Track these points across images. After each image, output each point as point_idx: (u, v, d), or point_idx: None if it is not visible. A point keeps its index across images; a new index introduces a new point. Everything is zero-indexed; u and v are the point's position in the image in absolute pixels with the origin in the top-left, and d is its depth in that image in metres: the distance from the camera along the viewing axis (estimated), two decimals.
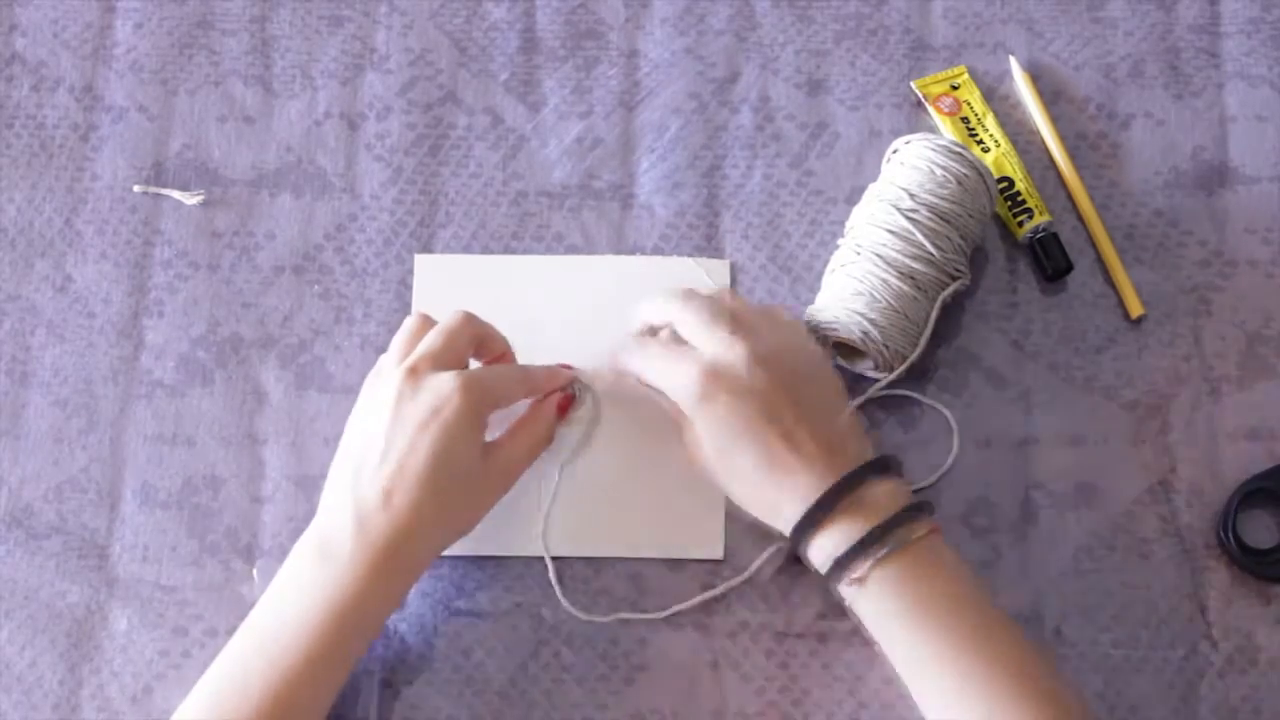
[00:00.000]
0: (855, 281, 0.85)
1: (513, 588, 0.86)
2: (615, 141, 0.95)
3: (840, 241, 0.88)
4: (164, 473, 0.89)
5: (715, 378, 0.79)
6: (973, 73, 0.95)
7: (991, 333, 0.90)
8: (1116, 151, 0.93)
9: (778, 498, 0.79)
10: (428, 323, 0.83)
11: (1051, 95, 0.94)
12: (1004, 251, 0.92)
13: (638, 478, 0.87)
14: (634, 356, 0.83)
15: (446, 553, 0.85)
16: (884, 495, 0.78)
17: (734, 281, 0.91)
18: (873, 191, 0.87)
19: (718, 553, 0.86)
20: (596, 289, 0.91)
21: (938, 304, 0.86)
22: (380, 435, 0.79)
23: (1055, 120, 0.94)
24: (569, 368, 0.87)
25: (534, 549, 0.86)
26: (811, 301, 0.88)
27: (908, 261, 0.84)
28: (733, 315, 0.81)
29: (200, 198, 0.94)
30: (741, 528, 0.85)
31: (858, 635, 0.81)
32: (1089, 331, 0.90)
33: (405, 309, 0.91)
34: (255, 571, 0.87)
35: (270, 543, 0.87)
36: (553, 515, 0.86)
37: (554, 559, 0.86)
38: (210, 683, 0.78)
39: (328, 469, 0.82)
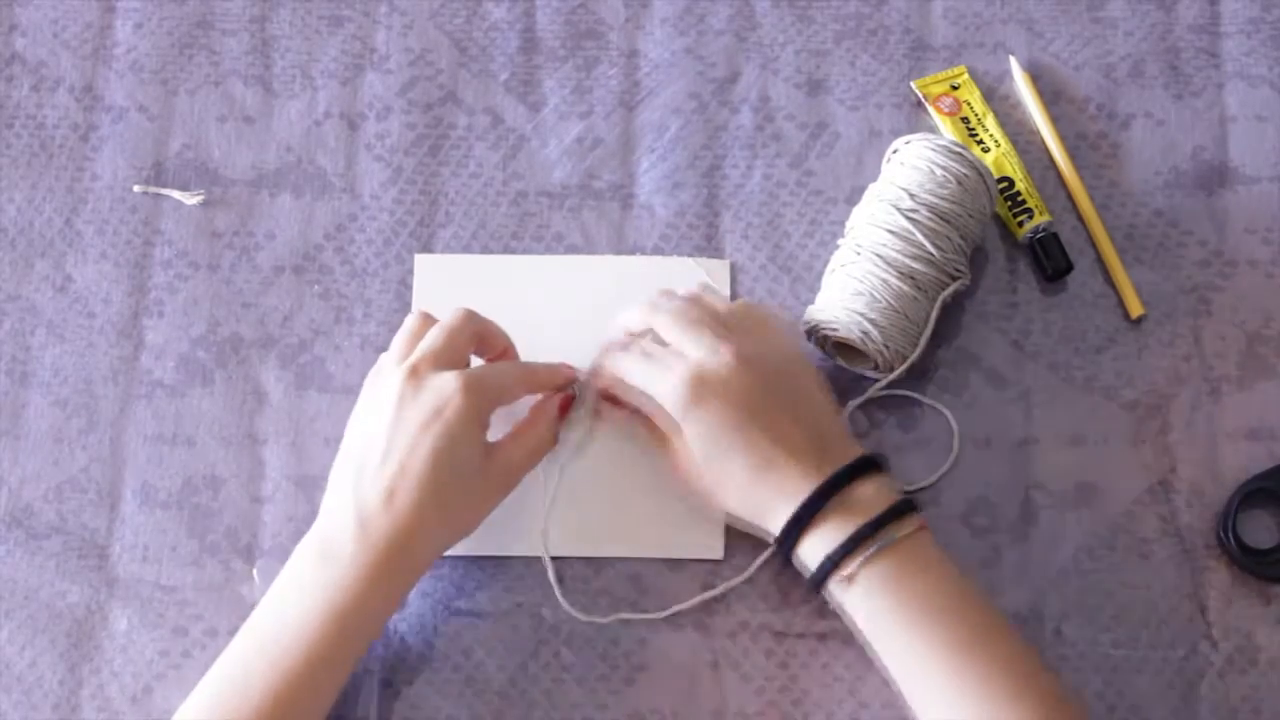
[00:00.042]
0: (855, 281, 0.85)
1: (513, 588, 0.86)
2: (615, 141, 0.95)
3: (840, 241, 0.88)
4: (164, 473, 0.89)
5: (702, 382, 0.79)
6: (973, 73, 0.95)
7: (991, 333, 0.90)
8: (1116, 151, 0.93)
9: (768, 500, 0.79)
10: (428, 321, 0.83)
11: (1051, 95, 0.94)
12: (1004, 251, 0.92)
13: (638, 477, 0.87)
14: (620, 364, 0.83)
15: (447, 553, 0.85)
16: (871, 494, 0.79)
17: (734, 281, 0.91)
18: (873, 191, 0.87)
19: (718, 553, 0.86)
20: (596, 289, 0.91)
21: (938, 304, 0.86)
22: (382, 436, 0.79)
23: (1055, 120, 0.94)
24: (569, 368, 0.87)
25: (534, 549, 0.86)
26: (811, 301, 0.88)
27: (908, 261, 0.84)
28: (714, 318, 0.81)
29: (200, 198, 0.94)
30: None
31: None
32: (1089, 331, 0.90)
33: (405, 309, 0.91)
34: (255, 572, 0.87)
35: (270, 543, 0.87)
36: (553, 515, 0.86)
37: (554, 559, 0.85)
38: (211, 683, 0.78)
39: (328, 469, 0.82)
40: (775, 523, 0.79)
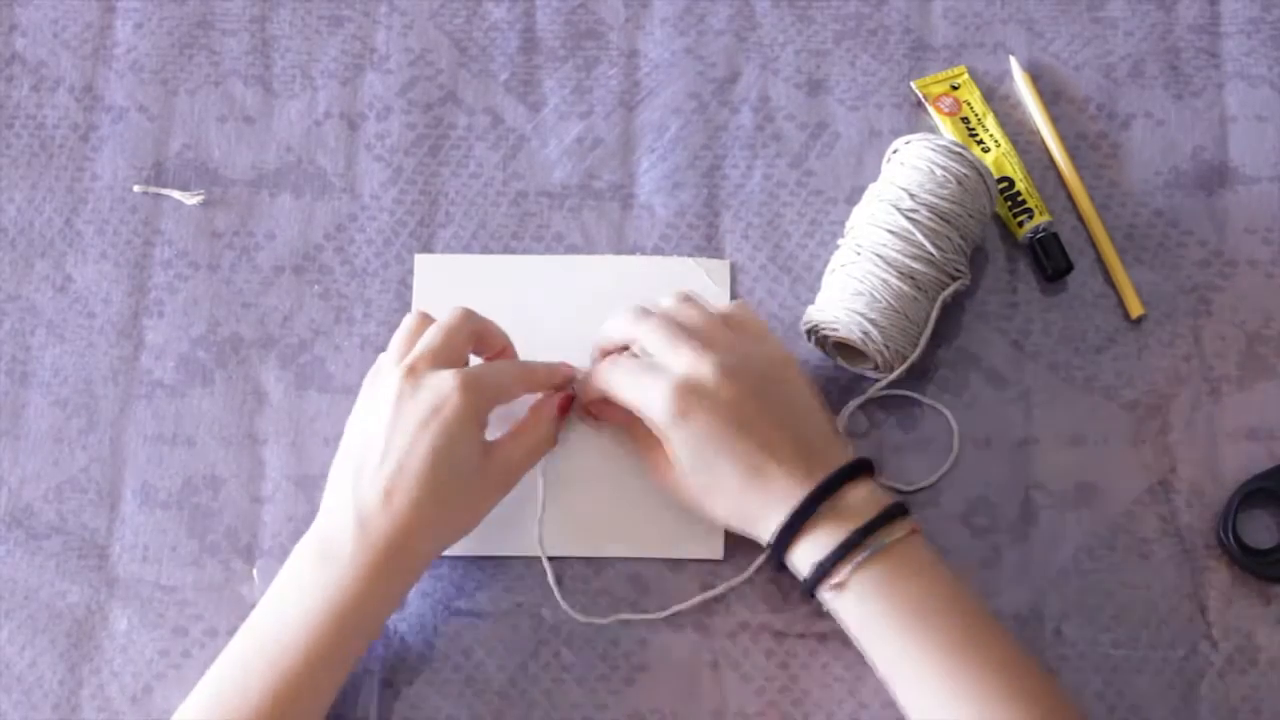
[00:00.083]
0: (855, 281, 0.85)
1: (513, 588, 0.86)
2: (615, 141, 0.95)
3: (840, 241, 0.88)
4: (164, 473, 0.89)
5: (688, 393, 0.78)
6: (973, 73, 0.95)
7: (991, 333, 0.90)
8: (1116, 151, 0.93)
9: (758, 508, 0.79)
10: (426, 320, 0.83)
11: (1051, 95, 0.94)
12: (1004, 251, 0.92)
13: (638, 478, 0.86)
14: (606, 377, 0.83)
15: (446, 553, 0.85)
16: (862, 498, 0.78)
17: (734, 281, 0.91)
18: (873, 191, 0.87)
19: (718, 553, 0.86)
20: (596, 289, 0.91)
21: (938, 304, 0.86)
22: (380, 435, 0.79)
23: (1055, 120, 0.94)
24: (569, 367, 0.87)
25: (534, 549, 0.86)
26: (811, 301, 0.88)
27: (908, 261, 0.84)
28: (696, 329, 0.81)
29: (200, 198, 0.94)
30: None
31: None
32: (1089, 331, 0.90)
33: (405, 309, 0.91)
34: (255, 571, 0.87)
35: (270, 543, 0.87)
36: (552, 515, 0.86)
37: (554, 559, 0.85)
38: (210, 684, 0.78)
39: (328, 469, 0.82)
40: (766, 531, 0.79)
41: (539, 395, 0.86)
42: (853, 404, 0.87)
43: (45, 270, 0.93)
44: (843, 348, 0.88)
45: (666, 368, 0.80)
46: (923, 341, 0.85)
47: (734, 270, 0.92)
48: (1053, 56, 0.95)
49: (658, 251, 0.92)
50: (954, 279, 0.86)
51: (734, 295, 0.91)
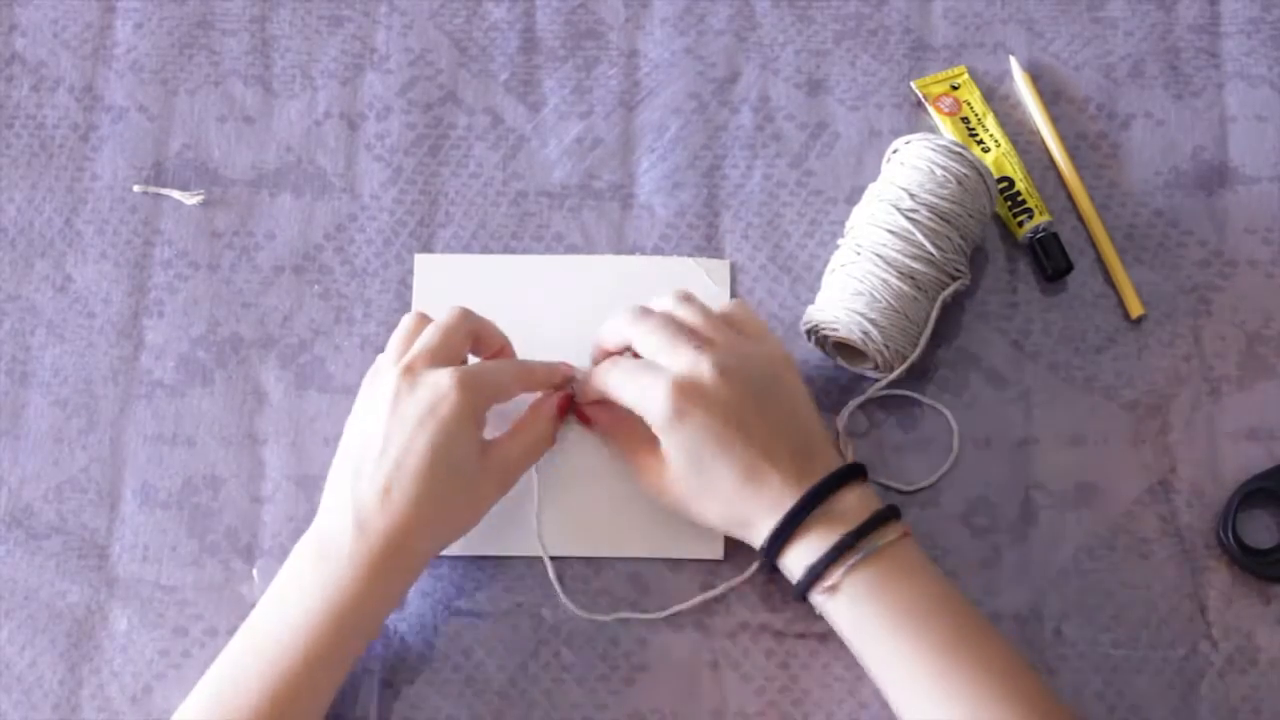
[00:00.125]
0: (855, 281, 0.85)
1: (513, 588, 0.86)
2: (615, 141, 0.95)
3: (840, 241, 0.88)
4: (164, 473, 0.89)
5: (686, 393, 0.78)
6: (973, 73, 0.95)
7: (991, 333, 0.90)
8: (1116, 151, 0.93)
9: (751, 511, 0.79)
10: (424, 321, 0.83)
11: (1051, 95, 0.94)
12: (1004, 251, 0.92)
13: None
14: (604, 378, 0.83)
15: (446, 553, 0.85)
16: (854, 502, 0.78)
17: (734, 281, 0.91)
18: (873, 191, 0.87)
19: (718, 553, 0.86)
20: (596, 289, 0.91)
21: (938, 304, 0.86)
22: (378, 434, 0.79)
23: (1055, 120, 0.94)
24: (568, 366, 0.87)
25: (534, 549, 0.86)
26: (811, 301, 0.88)
27: (908, 261, 0.84)
28: (693, 329, 0.81)
29: (200, 198, 0.94)
30: None
31: None
32: (1089, 331, 0.90)
33: (405, 309, 0.91)
34: (255, 571, 0.87)
35: (270, 543, 0.87)
36: (553, 515, 0.86)
37: (554, 559, 0.85)
38: (210, 684, 0.78)
39: (328, 469, 0.82)
40: (759, 534, 0.79)
41: (538, 395, 0.86)
42: (853, 404, 0.88)
43: (45, 270, 0.93)
44: (843, 348, 0.88)
45: (664, 367, 0.79)
46: (923, 341, 0.85)
47: (734, 270, 0.92)
48: (1053, 56, 0.95)
49: (658, 251, 0.92)
50: (954, 279, 0.86)
51: (734, 295, 0.91)
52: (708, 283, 0.91)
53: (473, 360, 0.85)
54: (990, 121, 0.93)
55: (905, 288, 0.84)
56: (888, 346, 0.85)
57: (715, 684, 0.84)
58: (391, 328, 0.85)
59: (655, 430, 0.79)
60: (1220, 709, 0.83)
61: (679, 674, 0.84)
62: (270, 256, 0.93)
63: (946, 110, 0.94)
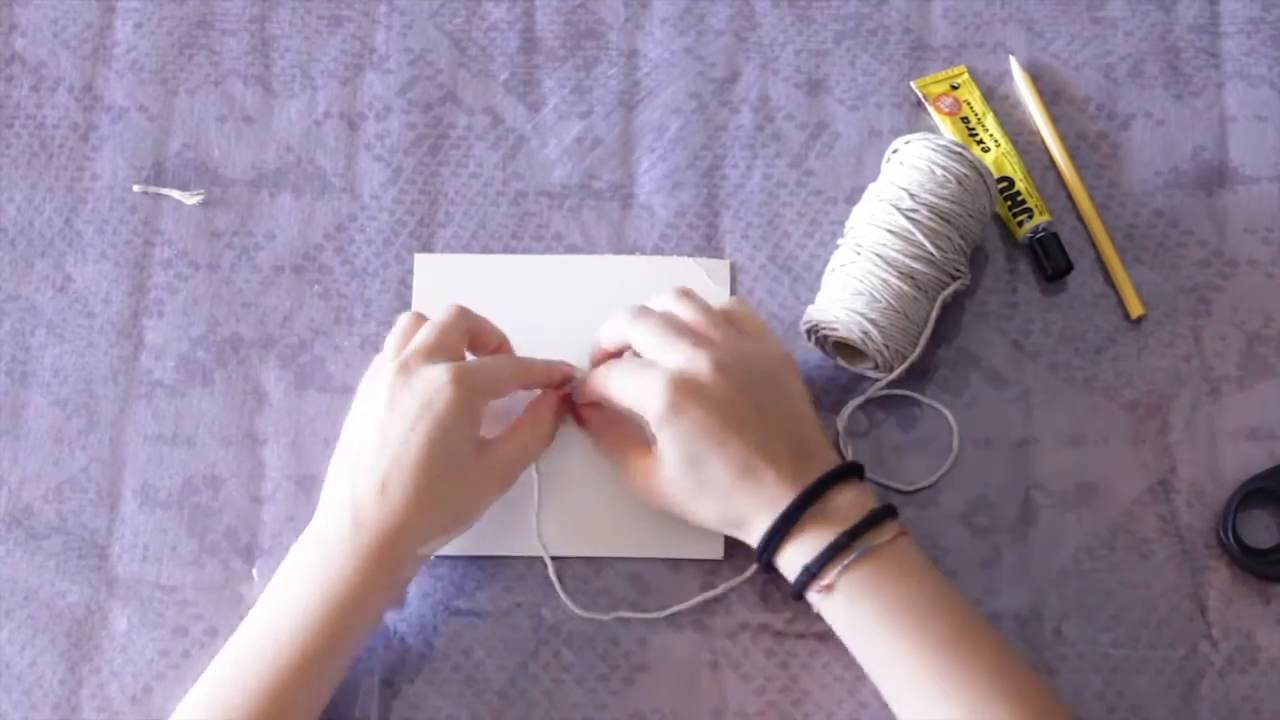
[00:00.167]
0: (855, 281, 0.85)
1: (513, 588, 0.86)
2: (615, 141, 0.95)
3: (840, 241, 0.88)
4: (164, 473, 0.89)
5: (682, 390, 0.78)
6: (973, 73, 0.95)
7: (991, 333, 0.90)
8: (1116, 151, 0.93)
9: (746, 509, 0.79)
10: (420, 320, 0.83)
11: (1051, 95, 0.94)
12: (1004, 251, 0.92)
13: None
14: (602, 379, 0.83)
15: (446, 552, 0.85)
16: (849, 501, 0.78)
17: (734, 281, 0.91)
18: (873, 191, 0.87)
19: (718, 553, 0.86)
20: (596, 289, 0.91)
21: (938, 304, 0.86)
22: (375, 429, 0.79)
23: (1055, 120, 0.94)
24: (568, 365, 0.87)
25: (534, 549, 0.86)
26: (811, 301, 0.88)
27: (908, 261, 0.84)
28: (692, 326, 0.81)
29: (200, 197, 0.94)
30: None
31: None
32: (1089, 331, 0.90)
33: (405, 309, 0.91)
34: (255, 571, 0.87)
35: (270, 543, 0.87)
36: (553, 515, 0.86)
37: (554, 559, 0.85)
38: (207, 682, 0.78)
39: (328, 469, 0.82)
40: (754, 533, 0.79)
41: (538, 393, 0.86)
42: (853, 404, 0.88)
43: (45, 270, 0.93)
44: (843, 347, 0.88)
45: (662, 364, 0.79)
46: (923, 341, 0.85)
47: (734, 270, 0.92)
48: (1053, 56, 0.95)
49: (658, 251, 0.92)
50: (954, 279, 0.86)
51: (734, 295, 0.91)
52: (708, 283, 0.91)
53: (471, 359, 0.85)
54: (990, 121, 0.93)
55: (905, 288, 0.84)
56: (888, 346, 0.85)
57: (715, 684, 0.84)
58: (391, 327, 0.85)
59: (652, 427, 0.79)
60: (1220, 709, 0.83)
61: (679, 674, 0.84)
62: (270, 256, 0.93)
63: (946, 110, 0.94)
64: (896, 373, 0.86)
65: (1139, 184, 0.93)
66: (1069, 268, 0.90)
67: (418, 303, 0.91)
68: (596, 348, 0.85)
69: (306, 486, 0.88)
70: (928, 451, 0.88)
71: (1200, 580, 0.85)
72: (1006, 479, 0.87)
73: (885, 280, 0.84)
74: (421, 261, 0.92)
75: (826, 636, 0.83)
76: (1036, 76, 0.95)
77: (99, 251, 0.93)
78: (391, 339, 0.83)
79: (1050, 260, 0.90)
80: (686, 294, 0.83)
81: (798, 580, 0.78)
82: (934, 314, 0.86)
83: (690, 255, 0.92)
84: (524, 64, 0.96)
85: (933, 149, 0.86)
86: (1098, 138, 0.94)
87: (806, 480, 0.78)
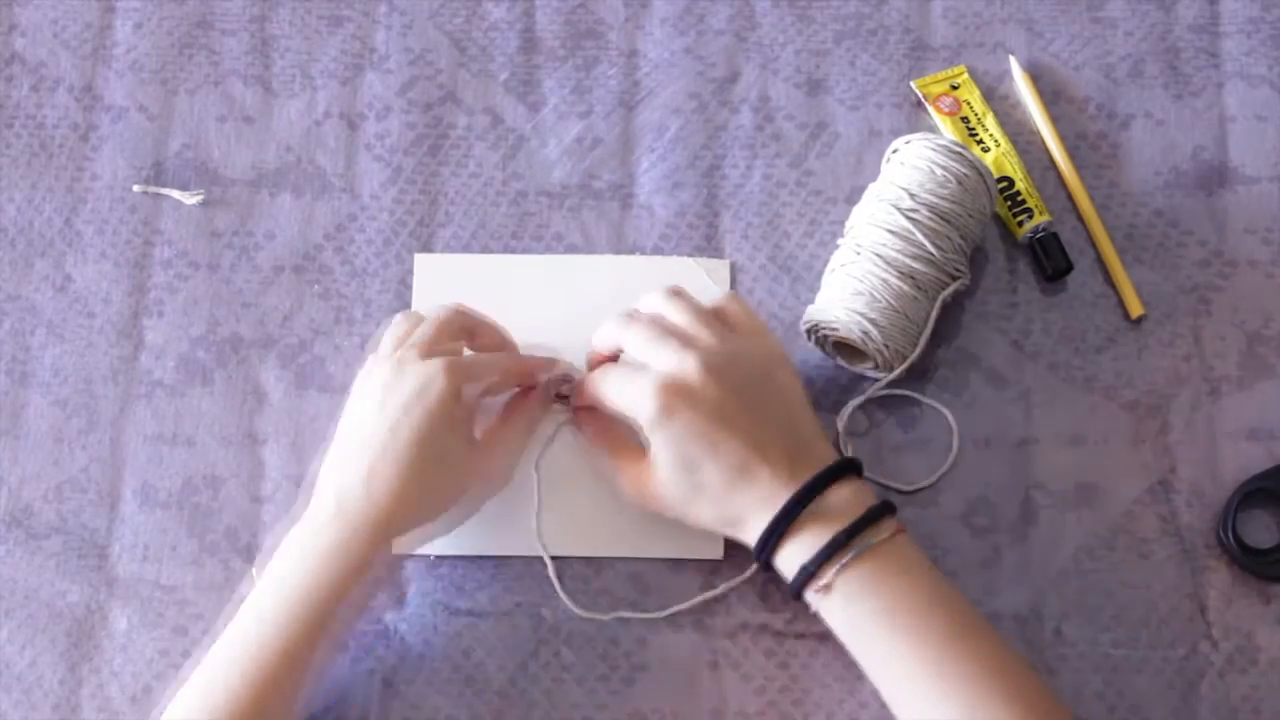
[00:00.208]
0: (855, 281, 0.85)
1: (513, 588, 0.86)
2: (615, 141, 0.95)
3: (840, 241, 0.88)
4: (164, 473, 0.89)
5: (672, 392, 0.78)
6: (973, 73, 0.95)
7: (991, 333, 0.90)
8: (1116, 151, 0.93)
9: (743, 509, 0.78)
10: (417, 319, 0.83)
11: (1051, 95, 0.94)
12: (1004, 251, 0.92)
13: None
14: (594, 385, 0.83)
15: (446, 553, 0.85)
16: (847, 499, 0.78)
17: (734, 281, 0.91)
18: (873, 191, 0.87)
19: (718, 553, 0.86)
20: (596, 289, 0.91)
21: (938, 304, 0.86)
22: (365, 423, 0.79)
23: (1055, 120, 0.94)
24: (567, 365, 0.87)
25: (534, 549, 0.86)
26: (811, 301, 0.88)
27: (908, 261, 0.84)
28: (681, 327, 0.80)
29: (200, 197, 0.94)
30: None
31: None
32: (1089, 331, 0.90)
33: (405, 309, 0.91)
34: (255, 571, 0.87)
35: (270, 543, 0.87)
36: (553, 515, 0.86)
37: (554, 559, 0.86)
38: (196, 678, 0.77)
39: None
40: (751, 533, 0.79)
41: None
42: (853, 404, 0.87)
43: (45, 270, 0.93)
44: (843, 347, 0.88)
45: (651, 368, 0.79)
46: (923, 341, 0.85)
47: (734, 270, 0.92)
48: (1053, 56, 0.95)
49: (657, 251, 0.92)
50: (954, 279, 0.86)
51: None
52: (708, 283, 0.91)
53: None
54: (990, 121, 0.93)
55: (905, 287, 0.84)
56: (888, 346, 0.85)
57: (715, 684, 0.84)
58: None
59: (644, 431, 0.79)
60: (1220, 709, 0.83)
61: (679, 674, 0.84)
62: (270, 256, 0.93)
63: (946, 110, 0.94)
64: (896, 373, 0.86)
65: (1139, 184, 0.93)
66: (1069, 268, 0.90)
67: (418, 303, 0.91)
68: (591, 352, 0.85)
69: (306, 486, 0.88)
70: (928, 451, 0.88)
71: (1200, 580, 0.85)
72: (1006, 479, 0.87)
73: (885, 280, 0.84)
74: (421, 261, 0.92)
75: (826, 636, 0.83)
76: (1036, 76, 0.95)
77: (99, 251, 0.93)
78: (387, 338, 0.83)
79: (1050, 260, 0.90)
80: (676, 293, 0.83)
81: (795, 580, 0.78)
82: (934, 314, 0.86)
83: (690, 255, 0.92)
84: (524, 64, 0.96)
85: (933, 149, 0.86)
86: (1098, 138, 0.94)
87: (803, 478, 0.78)
